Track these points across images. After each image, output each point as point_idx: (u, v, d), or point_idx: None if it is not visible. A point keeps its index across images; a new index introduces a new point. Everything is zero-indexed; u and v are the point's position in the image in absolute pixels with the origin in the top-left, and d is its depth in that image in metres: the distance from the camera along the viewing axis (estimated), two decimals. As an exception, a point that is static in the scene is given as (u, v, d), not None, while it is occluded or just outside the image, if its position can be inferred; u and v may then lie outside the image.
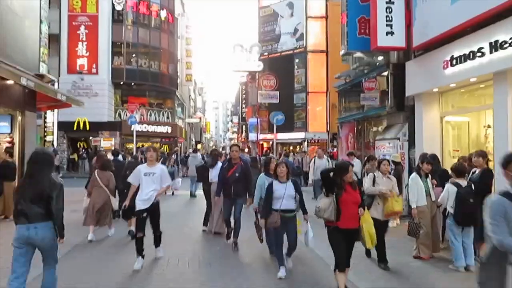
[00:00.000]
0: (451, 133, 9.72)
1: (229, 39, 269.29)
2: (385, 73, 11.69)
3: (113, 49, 29.98)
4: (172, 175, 13.29)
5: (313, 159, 12.40)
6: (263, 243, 6.60)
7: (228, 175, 6.96)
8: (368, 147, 13.35)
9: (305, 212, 5.56)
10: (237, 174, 6.93)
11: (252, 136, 20.77)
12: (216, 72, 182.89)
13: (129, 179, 6.21)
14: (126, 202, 6.23)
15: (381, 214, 5.97)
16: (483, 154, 6.27)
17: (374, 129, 12.87)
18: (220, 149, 41.32)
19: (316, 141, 30.43)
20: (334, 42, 30.56)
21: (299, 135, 30.84)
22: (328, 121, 30.43)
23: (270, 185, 5.58)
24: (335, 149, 30.24)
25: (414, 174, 6.50)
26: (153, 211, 6.02)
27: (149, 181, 5.96)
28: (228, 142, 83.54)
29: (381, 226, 5.77)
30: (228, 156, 7.79)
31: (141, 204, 5.94)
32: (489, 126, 8.08)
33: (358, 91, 13.68)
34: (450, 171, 6.40)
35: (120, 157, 11.26)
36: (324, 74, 30.86)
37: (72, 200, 7.44)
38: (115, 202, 7.72)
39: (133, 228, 7.04)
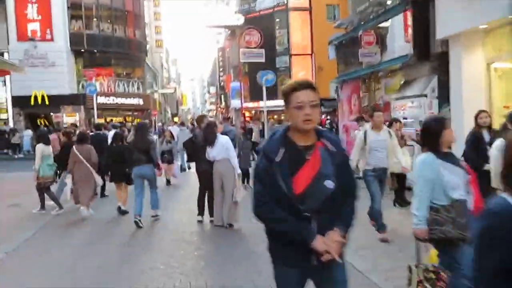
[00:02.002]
0: (499, 85, 7.48)
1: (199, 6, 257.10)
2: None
3: (70, 11, 26.35)
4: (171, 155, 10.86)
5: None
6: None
7: None
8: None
9: None
10: None
11: (235, 103, 18.21)
12: (190, 42, 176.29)
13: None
14: None
15: None
16: None
17: (387, 86, 10.54)
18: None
19: (302, 107, 28.06)
20: (318, -2, 27.92)
21: (283, 102, 28.34)
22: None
23: None
24: (323, 116, 28.16)
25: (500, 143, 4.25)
26: None
27: None
28: (207, 113, 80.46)
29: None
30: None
31: None
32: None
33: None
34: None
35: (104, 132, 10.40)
36: (308, 34, 28.19)
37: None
38: (98, 177, 7.38)
39: (120, 204, 7.42)
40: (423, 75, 8.79)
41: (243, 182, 9.10)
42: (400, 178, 6.95)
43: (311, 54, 27.99)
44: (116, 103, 27.75)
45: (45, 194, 7.63)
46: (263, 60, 14.21)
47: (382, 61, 11.22)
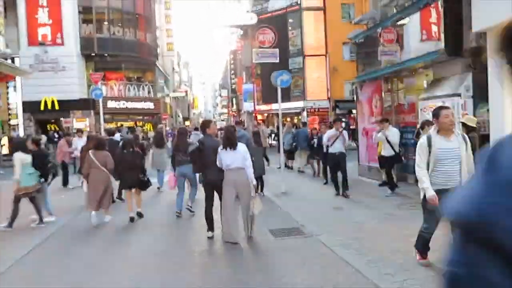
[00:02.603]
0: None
1: (212, 5, 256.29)
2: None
3: (81, 15, 26.09)
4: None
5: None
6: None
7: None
8: (401, 111, 10.26)
9: None
10: None
11: (248, 106, 17.48)
12: (202, 44, 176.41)
13: None
14: None
15: None
16: None
17: (411, 86, 9.75)
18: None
19: (317, 110, 27.32)
20: (331, -3, 27.18)
21: (297, 104, 27.65)
22: (329, 87, 27.27)
23: None
24: (338, 118, 27.27)
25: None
26: None
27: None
28: (218, 117, 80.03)
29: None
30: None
31: None
32: None
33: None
34: None
35: (117, 136, 10.84)
36: (322, 34, 27.48)
37: None
38: (114, 183, 7.52)
39: (132, 214, 7.24)
40: (455, 73, 7.99)
41: (256, 191, 8.68)
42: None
43: (325, 55, 27.26)
44: (127, 107, 27.36)
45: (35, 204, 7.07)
46: (277, 60, 13.45)
47: (405, 59, 10.45)
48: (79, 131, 12.53)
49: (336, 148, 9.09)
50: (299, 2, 27.28)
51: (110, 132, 10.64)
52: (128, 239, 6.43)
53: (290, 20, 27.89)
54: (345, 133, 9.32)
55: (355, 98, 13.33)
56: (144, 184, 7.46)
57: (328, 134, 9.41)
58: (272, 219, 7.09)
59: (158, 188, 10.51)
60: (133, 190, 7.43)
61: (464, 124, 6.44)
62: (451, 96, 7.68)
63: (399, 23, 9.86)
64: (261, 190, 9.64)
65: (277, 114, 29.44)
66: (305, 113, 27.48)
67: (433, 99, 8.24)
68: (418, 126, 7.58)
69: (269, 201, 9.10)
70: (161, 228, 7.13)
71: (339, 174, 9.09)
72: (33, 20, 24.63)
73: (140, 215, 7.38)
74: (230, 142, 5.73)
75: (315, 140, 11.92)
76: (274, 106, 28.50)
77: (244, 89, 15.36)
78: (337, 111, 26.91)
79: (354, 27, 27.76)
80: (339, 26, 27.35)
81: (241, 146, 5.82)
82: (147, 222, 7.32)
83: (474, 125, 6.41)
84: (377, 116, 11.00)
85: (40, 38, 24.65)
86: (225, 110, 70.52)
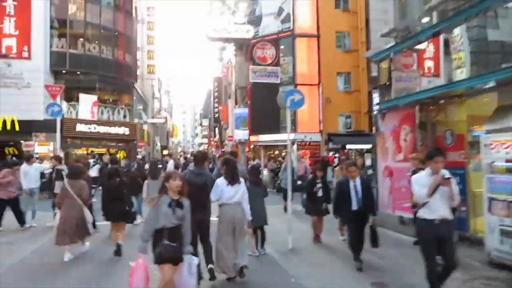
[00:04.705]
0: None
1: (197, 28, 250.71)
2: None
3: (53, 28, 23.63)
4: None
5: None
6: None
7: None
8: (441, 146, 7.99)
9: None
10: None
11: (240, 134, 14.96)
12: (183, 72, 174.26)
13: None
14: None
15: None
16: None
17: (462, 115, 7.57)
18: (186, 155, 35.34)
19: (308, 143, 25.17)
20: (326, 24, 25.66)
21: (286, 136, 25.41)
22: (321, 119, 25.31)
23: None
24: (331, 154, 25.33)
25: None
26: None
27: None
28: (197, 147, 77.29)
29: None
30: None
31: None
32: None
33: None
34: None
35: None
36: (315, 63, 25.77)
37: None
38: (88, 214, 6.79)
39: (120, 241, 6.81)
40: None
41: (256, 247, 7.07)
42: None
43: (318, 85, 25.46)
44: (98, 131, 24.55)
45: None
46: (278, 80, 11.38)
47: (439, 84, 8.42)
48: (57, 159, 9.85)
49: (437, 209, 4.44)
50: (292, 28, 25.66)
51: (113, 160, 9.67)
52: (109, 273, 6.05)
53: (282, 46, 26.15)
54: (453, 181, 4.47)
55: (374, 130, 11.17)
56: (129, 216, 7.18)
57: (421, 179, 4.60)
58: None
59: None
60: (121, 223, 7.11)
61: None
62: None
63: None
64: (262, 246, 7.16)
65: (264, 146, 26.90)
66: (295, 147, 25.29)
67: (505, 132, 6.07)
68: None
69: (272, 262, 6.71)
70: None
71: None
72: (-2, 30, 22.01)
73: (118, 248, 6.75)
74: (236, 176, 5.56)
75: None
76: (262, 137, 26.31)
77: (236, 114, 13.42)
78: (330, 145, 24.86)
79: (349, 56, 26.47)
80: (333, 55, 25.83)
81: (241, 179, 5.71)
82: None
83: None
84: (405, 151, 8.80)
85: (3, 50, 21.95)
86: (205, 140, 67.91)
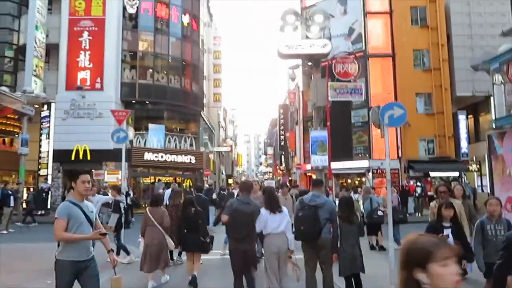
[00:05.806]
0: None
1: (264, 55, 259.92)
2: None
3: (124, 60, 24.22)
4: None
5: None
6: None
7: None
8: None
9: None
10: None
11: (318, 160, 13.50)
12: (247, 102, 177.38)
13: None
14: None
15: None
16: None
17: None
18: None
19: (385, 171, 22.83)
20: (402, 42, 23.67)
21: (360, 163, 23.36)
22: (399, 145, 22.93)
23: None
24: (411, 182, 22.77)
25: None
26: None
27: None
28: (261, 176, 76.41)
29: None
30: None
31: None
32: None
33: None
34: None
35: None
36: (391, 83, 23.76)
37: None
38: (170, 242, 6.94)
39: (195, 272, 6.76)
40: None
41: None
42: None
43: (395, 107, 23.27)
44: (165, 160, 24.30)
45: None
46: (362, 98, 9.78)
47: None
48: (115, 189, 9.12)
49: None
50: (364, 48, 24.02)
51: (198, 189, 9.92)
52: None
53: (353, 68, 24.60)
54: None
55: (487, 154, 9.10)
56: (205, 247, 6.91)
57: None
58: None
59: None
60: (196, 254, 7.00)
61: None
62: None
63: None
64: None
65: (336, 174, 24.42)
66: (370, 175, 23.08)
67: None
68: None
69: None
70: None
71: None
72: (74, 63, 22.92)
73: (194, 279, 6.62)
74: (275, 204, 5.41)
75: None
76: (333, 164, 24.36)
77: (313, 138, 12.22)
78: (411, 173, 22.33)
79: (429, 75, 24.08)
80: (411, 74, 23.65)
81: (284, 208, 5.55)
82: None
83: None
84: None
85: (78, 83, 22.74)
86: (270, 169, 66.82)
